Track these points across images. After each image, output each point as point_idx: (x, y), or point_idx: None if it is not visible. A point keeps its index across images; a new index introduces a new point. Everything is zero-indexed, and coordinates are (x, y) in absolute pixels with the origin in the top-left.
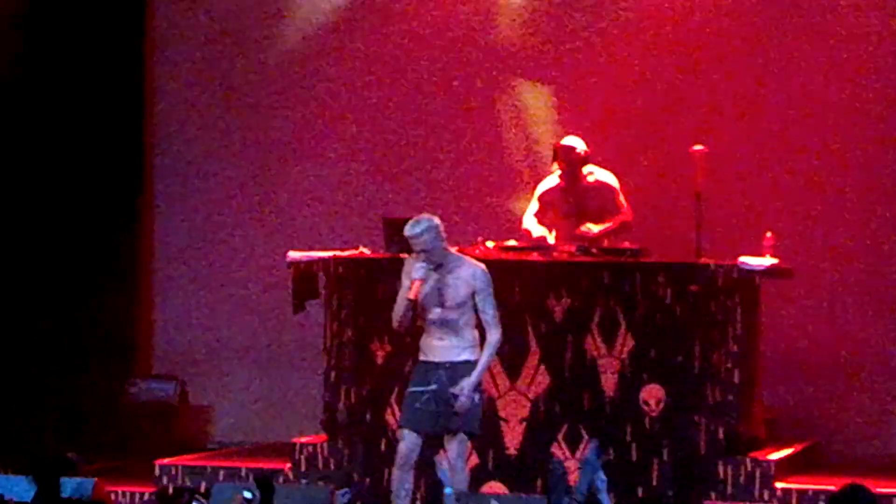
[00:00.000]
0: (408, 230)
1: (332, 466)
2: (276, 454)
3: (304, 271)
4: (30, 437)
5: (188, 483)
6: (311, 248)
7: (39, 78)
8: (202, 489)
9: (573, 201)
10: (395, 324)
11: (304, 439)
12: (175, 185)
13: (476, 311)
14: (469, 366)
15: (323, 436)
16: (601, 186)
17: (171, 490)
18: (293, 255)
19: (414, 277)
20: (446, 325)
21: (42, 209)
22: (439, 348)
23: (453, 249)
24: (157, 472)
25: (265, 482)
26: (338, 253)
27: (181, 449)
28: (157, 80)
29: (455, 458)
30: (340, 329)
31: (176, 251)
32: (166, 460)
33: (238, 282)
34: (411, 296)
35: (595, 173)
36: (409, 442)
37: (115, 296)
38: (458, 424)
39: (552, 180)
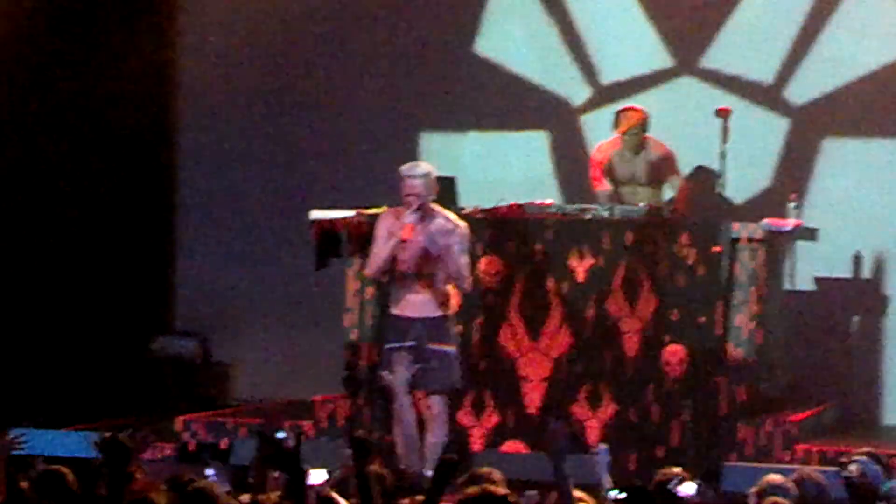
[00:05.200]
0: (407, 170)
1: (353, 424)
2: (297, 411)
3: (327, 229)
4: (52, 394)
5: (210, 439)
6: (334, 206)
7: (67, 24)
8: (224, 445)
9: (633, 167)
10: (370, 270)
11: (324, 397)
12: (198, 141)
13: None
14: (445, 320)
15: (344, 393)
16: (661, 153)
17: (192, 446)
18: (315, 214)
19: (407, 221)
20: (423, 278)
21: (64, 164)
22: (414, 303)
23: (471, 207)
24: (178, 427)
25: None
26: (361, 210)
27: (203, 405)
28: (180, 35)
29: (438, 415)
30: (362, 287)
31: (198, 208)
32: (188, 416)
33: (261, 239)
34: (405, 236)
35: (651, 139)
36: (400, 399)
37: (137, 252)
38: (436, 382)
39: (612, 145)
